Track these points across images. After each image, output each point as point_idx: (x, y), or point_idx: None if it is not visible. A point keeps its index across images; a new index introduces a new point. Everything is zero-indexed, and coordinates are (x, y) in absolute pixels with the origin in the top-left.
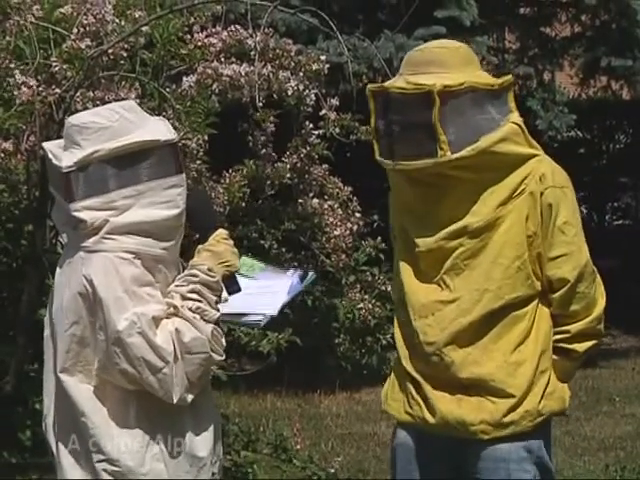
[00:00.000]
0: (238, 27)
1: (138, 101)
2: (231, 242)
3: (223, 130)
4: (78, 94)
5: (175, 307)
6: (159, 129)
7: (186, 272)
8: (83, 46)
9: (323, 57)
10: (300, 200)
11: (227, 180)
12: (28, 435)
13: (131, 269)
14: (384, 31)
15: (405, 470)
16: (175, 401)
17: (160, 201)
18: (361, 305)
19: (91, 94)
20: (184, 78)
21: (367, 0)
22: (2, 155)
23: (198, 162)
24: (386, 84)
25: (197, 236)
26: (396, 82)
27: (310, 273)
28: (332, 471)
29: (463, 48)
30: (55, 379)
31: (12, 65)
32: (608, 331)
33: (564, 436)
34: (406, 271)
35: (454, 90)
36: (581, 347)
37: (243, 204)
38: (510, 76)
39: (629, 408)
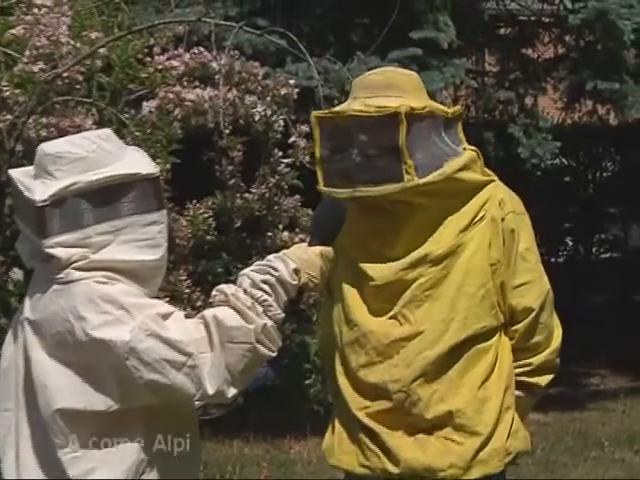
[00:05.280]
0: (201, 49)
1: (95, 127)
2: (328, 265)
3: (187, 159)
4: (31, 120)
5: (226, 295)
6: (139, 162)
7: (270, 260)
8: (36, 69)
9: (292, 81)
10: (269, 233)
11: (191, 212)
12: None
13: (115, 286)
14: (357, 53)
15: None
16: (212, 393)
17: (140, 238)
18: None
19: (45, 120)
20: (144, 103)
21: (338, 20)
22: None
23: None
24: (339, 109)
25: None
26: (352, 106)
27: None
28: None
29: (415, 75)
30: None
31: None
32: (596, 371)
33: None
34: (359, 310)
35: (418, 113)
36: (542, 381)
37: (208, 237)
38: (460, 106)
39: (619, 453)
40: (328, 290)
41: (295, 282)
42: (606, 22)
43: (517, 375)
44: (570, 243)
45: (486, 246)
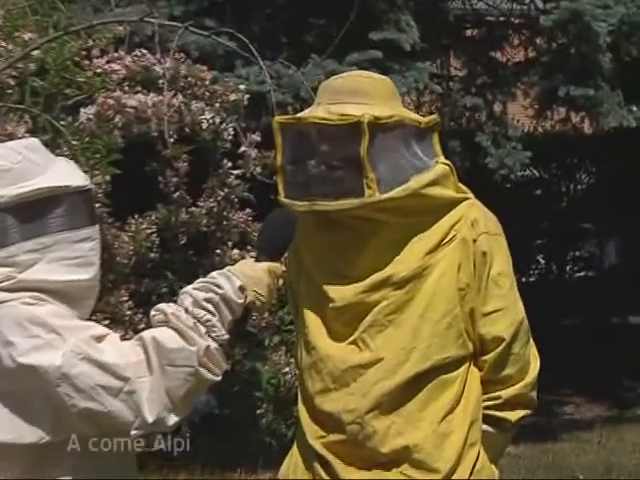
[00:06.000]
0: (144, 51)
1: (29, 136)
2: (278, 282)
3: (128, 170)
4: None
5: (165, 314)
6: (69, 173)
7: (213, 276)
8: None
9: (242, 86)
10: (218, 250)
11: (133, 227)
12: None
13: (45, 307)
14: (312, 56)
15: None
16: (151, 421)
17: (70, 257)
18: (287, 370)
19: None
20: (82, 109)
21: (292, 21)
22: None
23: (98, 205)
24: (301, 115)
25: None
26: (315, 112)
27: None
28: None
29: (387, 80)
30: None
31: None
32: (570, 399)
33: None
34: (318, 332)
35: (384, 123)
36: (513, 416)
37: (151, 255)
38: (436, 116)
39: None
40: (296, 310)
41: (241, 300)
42: (580, 24)
43: (485, 408)
44: (542, 261)
45: (455, 269)
